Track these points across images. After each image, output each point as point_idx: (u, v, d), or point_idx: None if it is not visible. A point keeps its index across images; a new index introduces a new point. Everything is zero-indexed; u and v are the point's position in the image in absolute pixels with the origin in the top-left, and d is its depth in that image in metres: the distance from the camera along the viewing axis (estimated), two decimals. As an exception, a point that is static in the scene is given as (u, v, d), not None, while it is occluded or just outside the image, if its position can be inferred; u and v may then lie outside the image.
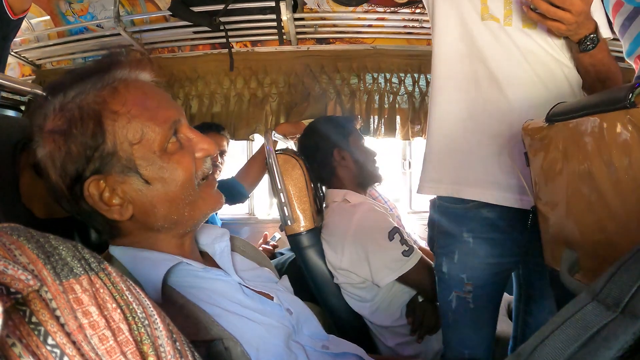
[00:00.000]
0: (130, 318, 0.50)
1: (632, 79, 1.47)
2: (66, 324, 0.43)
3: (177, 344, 0.55)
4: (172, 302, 0.83)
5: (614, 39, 1.44)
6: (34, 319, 0.41)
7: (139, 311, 0.51)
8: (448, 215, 1.41)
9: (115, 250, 0.88)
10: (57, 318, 0.43)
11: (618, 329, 0.43)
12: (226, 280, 0.93)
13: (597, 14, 1.30)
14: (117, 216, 0.83)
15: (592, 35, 1.22)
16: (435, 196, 1.49)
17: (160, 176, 0.83)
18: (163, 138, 0.84)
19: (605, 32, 1.30)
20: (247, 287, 0.95)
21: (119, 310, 0.49)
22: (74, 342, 0.43)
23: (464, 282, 1.37)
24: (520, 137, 1.14)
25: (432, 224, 1.50)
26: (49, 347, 0.41)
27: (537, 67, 1.29)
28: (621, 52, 1.50)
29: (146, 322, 0.51)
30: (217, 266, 0.98)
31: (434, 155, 1.43)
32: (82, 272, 0.48)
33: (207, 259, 1.00)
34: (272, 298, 0.98)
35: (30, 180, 0.86)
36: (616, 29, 1.48)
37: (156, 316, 0.53)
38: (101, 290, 0.49)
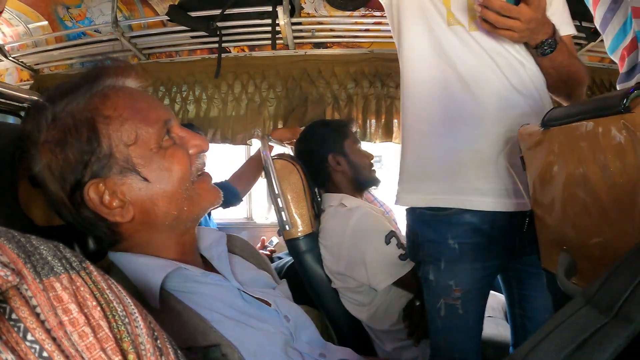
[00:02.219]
0: (110, 316, 0.50)
1: (614, 80, 1.48)
2: (46, 320, 0.44)
3: (159, 341, 0.56)
4: (170, 308, 0.83)
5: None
6: (13, 316, 0.42)
7: (119, 309, 0.52)
8: (430, 223, 1.39)
9: (114, 257, 0.89)
10: (37, 315, 0.44)
11: (611, 332, 0.43)
12: (225, 286, 0.93)
13: (561, 11, 1.33)
14: (119, 218, 0.84)
15: (549, 40, 1.23)
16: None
17: (158, 173, 0.85)
18: (157, 136, 0.85)
19: (566, 30, 1.31)
20: (245, 292, 0.95)
21: (99, 308, 0.49)
22: (54, 339, 0.43)
23: (452, 288, 1.36)
24: (515, 140, 1.15)
25: (412, 233, 1.47)
26: (28, 343, 0.42)
27: (506, 69, 1.29)
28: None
29: (126, 320, 0.52)
30: (216, 270, 0.98)
31: (409, 164, 1.42)
32: (63, 270, 0.49)
33: (207, 263, 1.00)
34: (269, 304, 0.98)
35: (28, 187, 0.86)
36: (597, 23, 1.48)
37: (137, 314, 0.54)
38: (82, 289, 0.49)
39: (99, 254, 0.97)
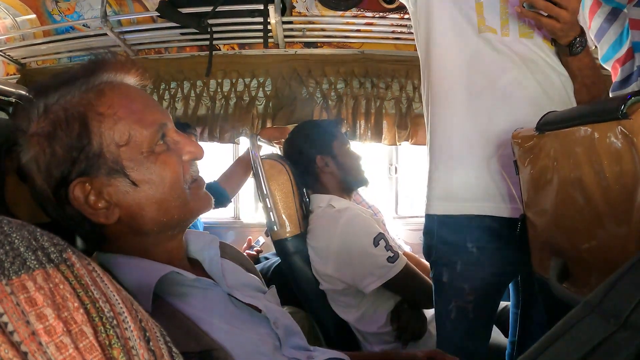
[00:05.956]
0: (97, 319, 0.44)
1: (609, 87, 1.51)
2: (16, 331, 0.38)
3: (151, 343, 0.50)
4: (161, 312, 0.81)
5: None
6: None
7: (106, 310, 0.45)
8: (450, 225, 1.39)
9: (103, 257, 0.86)
10: (4, 326, 0.38)
11: (620, 342, 0.42)
12: (216, 291, 0.92)
13: (582, 21, 1.34)
14: (103, 220, 0.81)
15: (580, 38, 1.24)
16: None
17: (148, 178, 0.82)
18: (150, 140, 0.82)
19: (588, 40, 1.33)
20: (236, 298, 0.93)
21: (82, 310, 0.43)
22: (25, 354, 0.37)
23: (466, 292, 1.36)
24: (508, 144, 1.15)
25: (430, 234, 1.47)
26: None
27: (538, 75, 1.31)
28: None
29: (115, 322, 0.46)
30: (206, 274, 0.96)
31: (441, 172, 1.42)
32: (37, 265, 0.42)
33: (195, 267, 0.98)
34: (260, 310, 0.96)
35: (15, 184, 0.84)
36: (592, 33, 1.50)
37: (126, 314, 0.48)
38: (61, 286, 0.43)
39: (86, 251, 0.95)
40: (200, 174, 0.93)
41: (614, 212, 0.81)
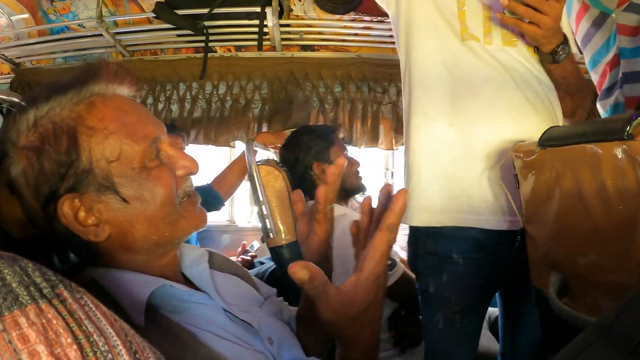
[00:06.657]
0: (90, 354, 0.43)
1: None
2: None
3: None
4: (156, 326, 0.80)
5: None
6: None
7: (100, 343, 0.44)
8: (436, 236, 1.37)
9: (95, 272, 0.84)
10: None
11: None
12: (211, 305, 0.90)
13: (567, 28, 1.32)
14: (93, 237, 0.79)
15: (563, 46, 1.23)
16: None
17: (139, 194, 0.80)
18: (142, 155, 0.80)
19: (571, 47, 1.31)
20: (230, 312, 0.92)
21: (75, 346, 0.42)
22: None
23: (452, 302, 1.35)
24: (510, 158, 1.14)
25: (414, 244, 1.46)
26: None
27: (522, 84, 1.29)
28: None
29: (110, 355, 0.45)
30: (198, 289, 0.94)
31: (422, 183, 1.39)
32: (30, 300, 0.42)
33: (190, 281, 0.97)
34: (253, 326, 0.95)
35: (5, 197, 0.82)
36: (579, 39, 1.49)
37: (121, 347, 0.47)
38: (54, 322, 0.42)
39: (79, 265, 0.93)
40: (194, 190, 0.91)
41: (615, 229, 0.81)
